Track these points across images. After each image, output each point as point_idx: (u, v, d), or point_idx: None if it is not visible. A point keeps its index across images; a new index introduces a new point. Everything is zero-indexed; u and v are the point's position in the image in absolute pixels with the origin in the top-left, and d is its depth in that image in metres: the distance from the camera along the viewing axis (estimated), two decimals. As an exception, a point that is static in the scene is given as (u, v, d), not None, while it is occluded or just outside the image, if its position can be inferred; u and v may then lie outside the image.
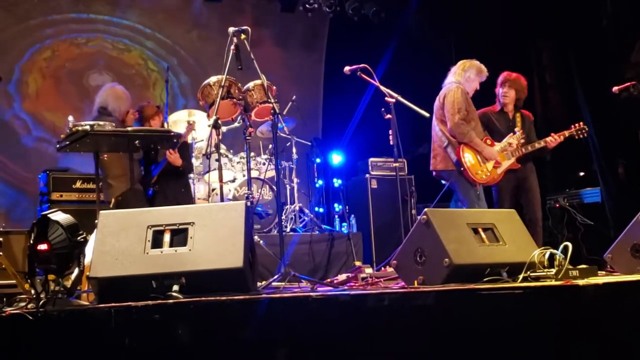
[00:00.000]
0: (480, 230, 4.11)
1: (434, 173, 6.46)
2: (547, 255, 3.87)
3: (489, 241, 4.09)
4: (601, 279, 3.85)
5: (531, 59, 9.96)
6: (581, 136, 6.67)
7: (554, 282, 3.64)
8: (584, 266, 4.03)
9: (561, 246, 3.90)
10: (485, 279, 3.77)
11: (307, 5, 10.32)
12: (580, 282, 3.56)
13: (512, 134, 6.58)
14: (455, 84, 6.37)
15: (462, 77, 6.43)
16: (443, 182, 6.45)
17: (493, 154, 6.33)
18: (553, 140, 6.55)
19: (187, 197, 6.80)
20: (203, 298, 3.08)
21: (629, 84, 6.69)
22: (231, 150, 8.03)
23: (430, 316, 3.22)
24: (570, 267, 3.84)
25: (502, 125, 6.69)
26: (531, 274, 3.82)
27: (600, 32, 8.77)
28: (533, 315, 3.30)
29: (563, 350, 3.26)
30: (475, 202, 6.21)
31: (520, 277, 3.79)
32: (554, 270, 3.77)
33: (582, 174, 9.04)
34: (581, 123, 6.68)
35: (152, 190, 6.63)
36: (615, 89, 6.62)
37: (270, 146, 7.69)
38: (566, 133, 6.63)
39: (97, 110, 6.31)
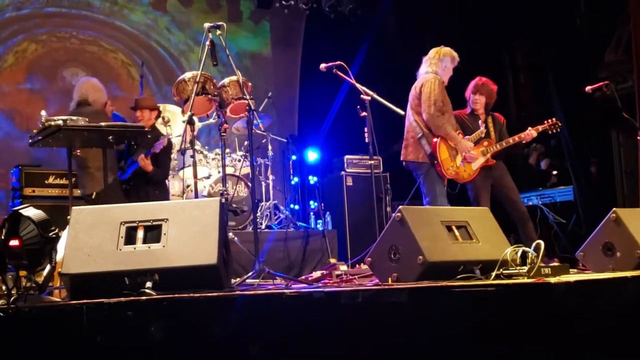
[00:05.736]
0: (453, 227, 4.13)
1: (403, 163, 6.39)
2: (519, 253, 3.90)
3: (462, 239, 4.11)
4: (573, 276, 3.88)
5: (505, 59, 10.04)
6: (554, 131, 6.66)
7: (526, 280, 3.68)
8: (556, 264, 4.07)
9: (533, 244, 3.94)
10: (458, 277, 3.79)
11: (283, 2, 10.31)
12: (552, 279, 3.59)
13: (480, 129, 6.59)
14: (432, 75, 6.28)
15: (439, 67, 6.33)
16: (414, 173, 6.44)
17: (467, 146, 6.30)
18: (528, 134, 6.55)
19: (160, 198, 6.73)
20: (176, 295, 3.06)
21: (602, 83, 6.77)
22: (206, 147, 7.99)
23: (403, 313, 3.23)
24: (543, 265, 3.88)
25: (474, 126, 6.68)
26: (504, 272, 3.84)
27: (574, 32, 8.86)
28: (506, 313, 3.32)
29: (534, 347, 3.29)
30: (439, 198, 6.14)
31: (493, 274, 3.82)
32: (526, 268, 3.80)
33: (554, 172, 9.13)
34: (554, 119, 6.67)
35: (125, 187, 6.58)
36: (588, 88, 6.68)
37: (246, 143, 7.66)
38: (539, 128, 6.60)
39: (77, 103, 6.24)
